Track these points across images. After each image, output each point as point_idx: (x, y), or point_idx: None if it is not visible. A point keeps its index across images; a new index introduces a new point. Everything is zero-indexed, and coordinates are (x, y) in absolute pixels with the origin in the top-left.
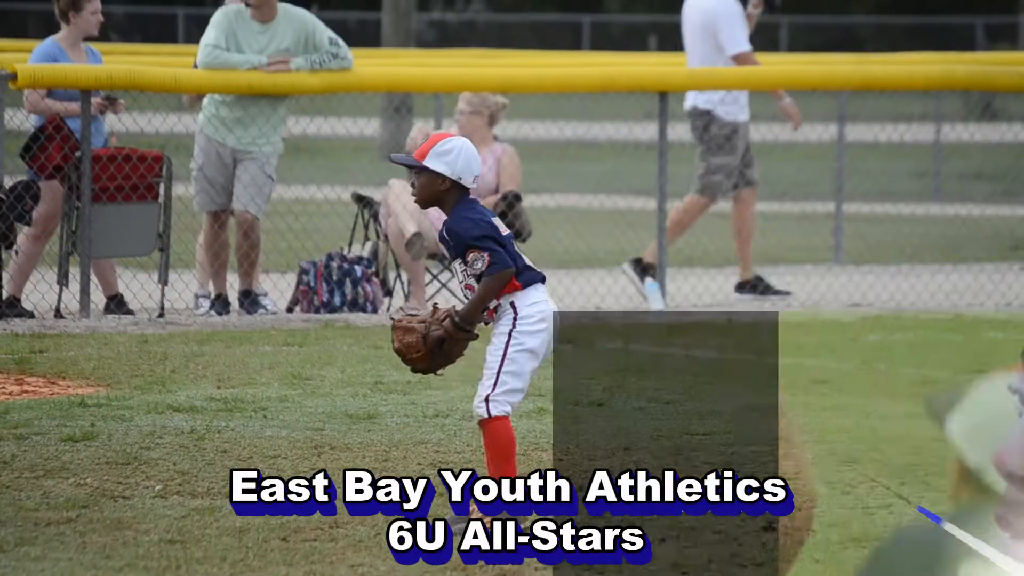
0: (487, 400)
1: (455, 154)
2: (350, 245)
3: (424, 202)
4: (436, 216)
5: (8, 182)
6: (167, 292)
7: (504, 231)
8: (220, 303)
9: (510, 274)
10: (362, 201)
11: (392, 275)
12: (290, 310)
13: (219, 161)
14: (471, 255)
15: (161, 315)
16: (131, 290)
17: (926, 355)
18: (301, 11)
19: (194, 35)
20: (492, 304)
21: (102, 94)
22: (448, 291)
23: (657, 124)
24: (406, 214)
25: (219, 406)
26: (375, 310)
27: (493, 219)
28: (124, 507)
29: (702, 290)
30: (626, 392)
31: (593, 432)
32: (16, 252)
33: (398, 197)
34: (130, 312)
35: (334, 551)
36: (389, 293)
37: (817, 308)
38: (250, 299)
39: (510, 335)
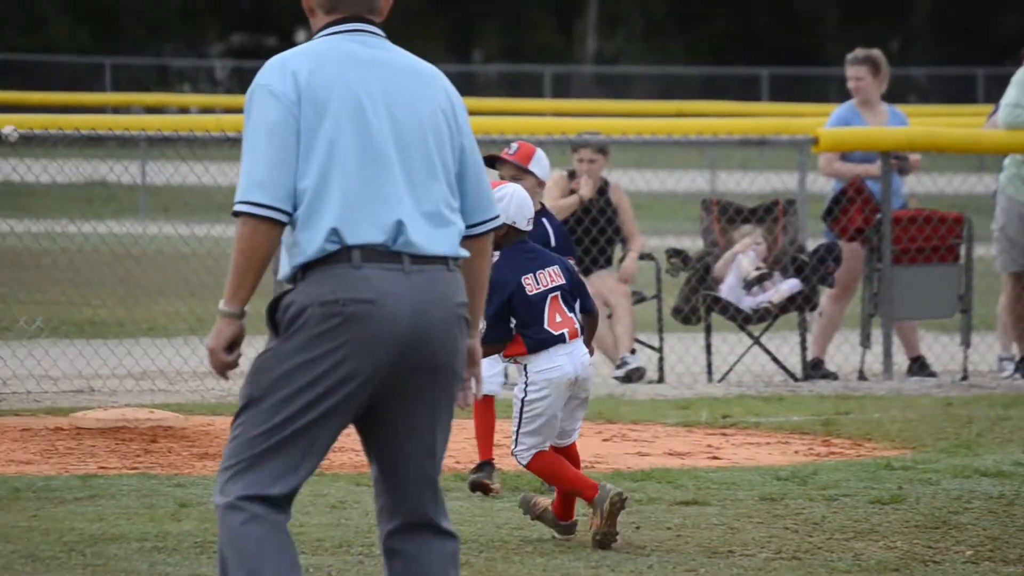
0: (514, 455)
1: (507, 200)
2: None
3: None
4: None
5: (811, 245)
6: (970, 354)
7: (538, 288)
8: None
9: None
10: None
11: None
12: None
13: (1020, 222)
14: None
15: (964, 378)
16: (933, 352)
17: None
18: None
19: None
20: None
21: (895, 154)
22: None
23: None
24: None
25: None
26: None
27: (527, 275)
28: (935, 571)
29: None
30: None
31: None
32: (819, 314)
33: None
34: (933, 374)
35: None
36: None
37: None
38: None
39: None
